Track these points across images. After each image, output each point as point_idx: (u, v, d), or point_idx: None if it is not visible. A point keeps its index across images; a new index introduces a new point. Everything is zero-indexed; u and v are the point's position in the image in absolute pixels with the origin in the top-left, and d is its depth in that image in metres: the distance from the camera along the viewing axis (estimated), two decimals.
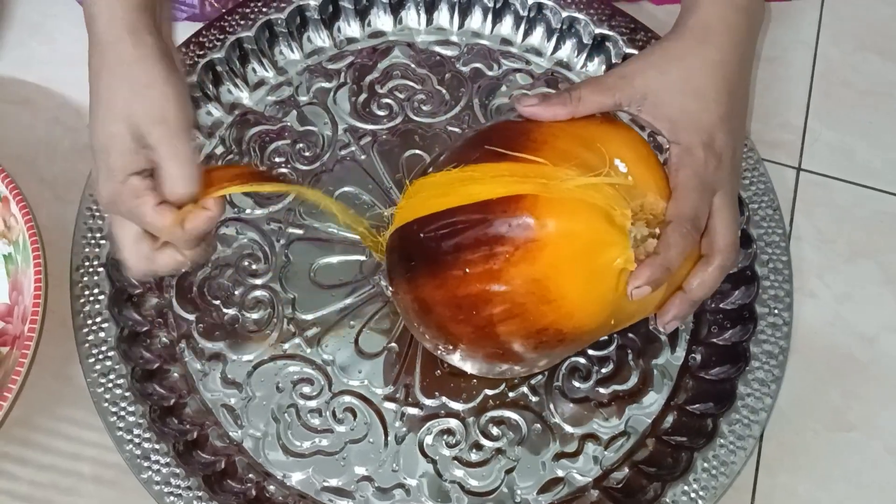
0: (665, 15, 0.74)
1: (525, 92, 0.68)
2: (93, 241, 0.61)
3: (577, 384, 0.61)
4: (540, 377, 0.61)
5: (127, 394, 0.57)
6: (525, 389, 0.60)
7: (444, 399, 0.60)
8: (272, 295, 0.62)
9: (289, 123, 0.68)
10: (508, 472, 0.58)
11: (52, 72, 0.70)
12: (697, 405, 0.60)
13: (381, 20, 0.72)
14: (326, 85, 0.70)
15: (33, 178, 0.66)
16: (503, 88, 0.70)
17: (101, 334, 0.58)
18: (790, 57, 0.75)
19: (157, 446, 0.55)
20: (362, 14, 0.71)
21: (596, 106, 0.50)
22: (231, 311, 0.62)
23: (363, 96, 0.69)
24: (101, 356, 0.58)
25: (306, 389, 0.60)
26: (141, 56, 0.50)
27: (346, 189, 0.66)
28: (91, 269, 0.60)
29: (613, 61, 0.70)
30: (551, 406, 0.60)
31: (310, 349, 0.61)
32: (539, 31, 0.72)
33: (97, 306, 0.59)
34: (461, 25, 0.72)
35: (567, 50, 0.71)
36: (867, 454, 0.61)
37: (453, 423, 0.59)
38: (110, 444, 0.56)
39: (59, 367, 0.60)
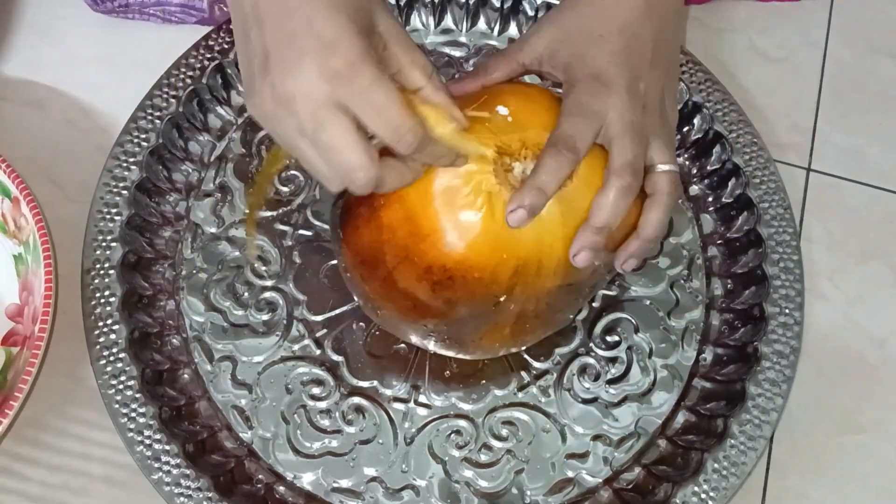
0: None
1: None
2: (104, 244, 0.61)
3: (586, 384, 0.61)
4: (549, 377, 0.61)
5: (138, 395, 0.57)
6: (534, 390, 0.60)
7: (453, 400, 0.60)
8: (282, 296, 0.62)
9: None
10: (518, 472, 0.58)
11: (62, 73, 0.70)
12: (708, 406, 0.60)
13: None
14: None
15: (44, 179, 0.66)
16: None
17: (113, 336, 0.59)
18: (799, 58, 0.75)
19: (167, 447, 0.56)
20: None
21: (503, 72, 0.53)
22: (241, 313, 0.62)
23: None
24: (112, 358, 0.58)
25: (316, 390, 0.60)
26: None
27: None
28: (102, 272, 0.60)
29: None
30: (561, 407, 0.60)
31: (319, 350, 0.61)
32: None
33: (108, 308, 0.59)
34: (470, 27, 0.72)
35: None
36: (878, 457, 0.61)
37: (463, 423, 0.59)
38: (121, 445, 0.56)
39: (70, 367, 0.60)
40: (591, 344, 0.62)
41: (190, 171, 0.66)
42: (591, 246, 0.48)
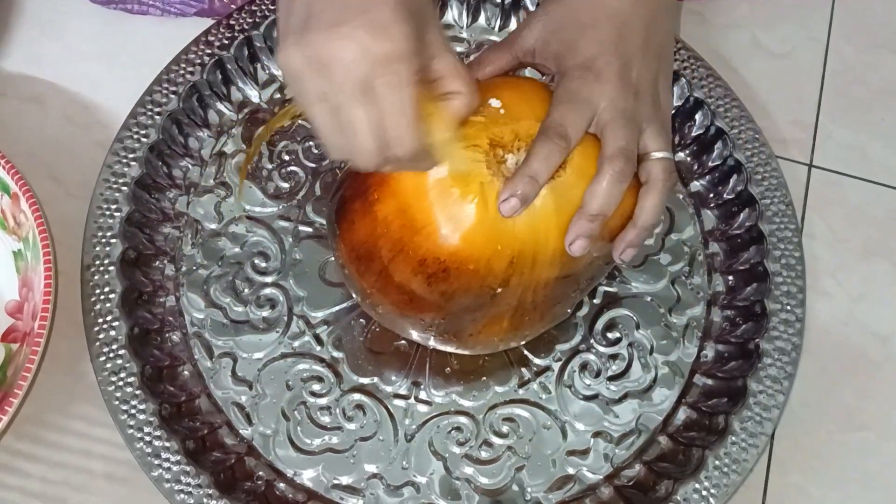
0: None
1: None
2: (104, 240, 0.61)
3: (587, 381, 0.60)
4: (550, 374, 0.60)
5: (138, 392, 0.57)
6: (535, 387, 0.60)
7: (454, 396, 0.60)
8: (282, 293, 0.62)
9: (298, 121, 0.68)
10: (519, 469, 0.58)
11: (63, 69, 0.70)
12: (709, 402, 0.60)
13: None
14: None
15: (44, 175, 0.66)
16: None
17: (112, 332, 0.58)
18: (801, 54, 0.74)
19: (167, 444, 0.56)
20: None
21: (496, 66, 0.53)
22: (241, 309, 0.62)
23: None
24: (111, 354, 0.58)
25: (316, 387, 0.60)
26: None
27: None
28: (102, 268, 0.60)
29: None
30: (562, 403, 0.60)
31: (319, 347, 0.61)
32: None
33: (108, 305, 0.59)
34: (471, 22, 0.72)
35: None
36: (880, 454, 0.61)
37: (463, 420, 0.59)
38: (121, 442, 0.56)
39: (70, 364, 0.60)
40: (592, 340, 0.62)
41: (190, 167, 0.66)
42: (586, 234, 0.48)
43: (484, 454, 0.58)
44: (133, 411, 0.56)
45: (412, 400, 0.60)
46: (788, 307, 0.61)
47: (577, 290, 0.55)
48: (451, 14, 0.72)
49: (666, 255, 0.64)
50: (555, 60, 0.51)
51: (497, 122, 0.48)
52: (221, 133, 0.67)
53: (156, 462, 0.55)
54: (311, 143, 0.67)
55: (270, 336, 0.61)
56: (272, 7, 0.69)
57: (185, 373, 0.60)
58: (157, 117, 0.65)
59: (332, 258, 0.63)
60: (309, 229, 0.64)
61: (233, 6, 0.70)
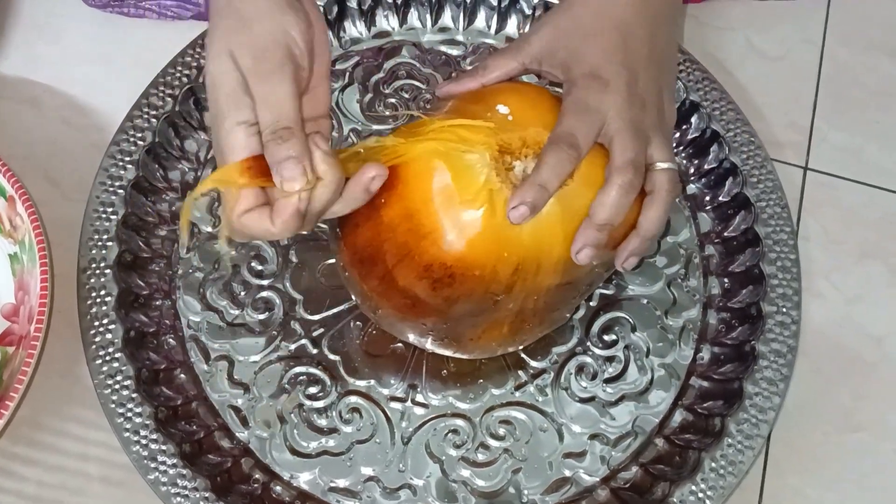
0: None
1: None
2: (100, 243, 0.61)
3: (583, 384, 0.61)
4: (546, 376, 0.60)
5: (134, 395, 0.57)
6: (531, 389, 0.60)
7: (450, 399, 0.60)
8: (278, 296, 0.62)
9: None
10: (515, 472, 0.58)
11: (59, 71, 0.70)
12: (705, 404, 0.60)
13: (387, 20, 0.72)
14: (332, 85, 0.69)
15: (40, 177, 0.66)
16: None
17: (109, 335, 0.58)
18: (797, 56, 0.75)
19: (163, 447, 0.55)
20: (368, 14, 0.71)
21: (502, 72, 0.53)
22: (237, 312, 0.62)
23: (369, 96, 0.69)
24: (108, 357, 0.58)
25: (312, 390, 0.60)
26: None
27: None
28: (98, 271, 0.60)
29: None
30: (558, 406, 0.60)
31: (316, 350, 0.61)
32: None
33: (104, 308, 0.59)
34: (467, 25, 0.72)
35: None
36: (876, 455, 0.61)
37: (460, 422, 0.59)
38: (118, 445, 0.56)
39: (66, 367, 0.60)
40: (589, 343, 0.62)
41: (186, 169, 0.66)
42: (593, 243, 0.48)
43: (480, 457, 0.58)
44: (129, 414, 0.56)
45: (409, 403, 0.60)
46: (784, 309, 0.61)
47: (577, 296, 0.55)
48: (447, 17, 0.72)
49: (662, 258, 0.65)
50: (562, 69, 0.51)
51: (505, 129, 0.48)
52: None
53: (152, 465, 0.55)
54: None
55: (267, 339, 0.61)
56: None
57: (182, 376, 0.60)
58: (154, 120, 0.65)
59: (329, 261, 0.63)
60: (305, 232, 0.64)
61: None
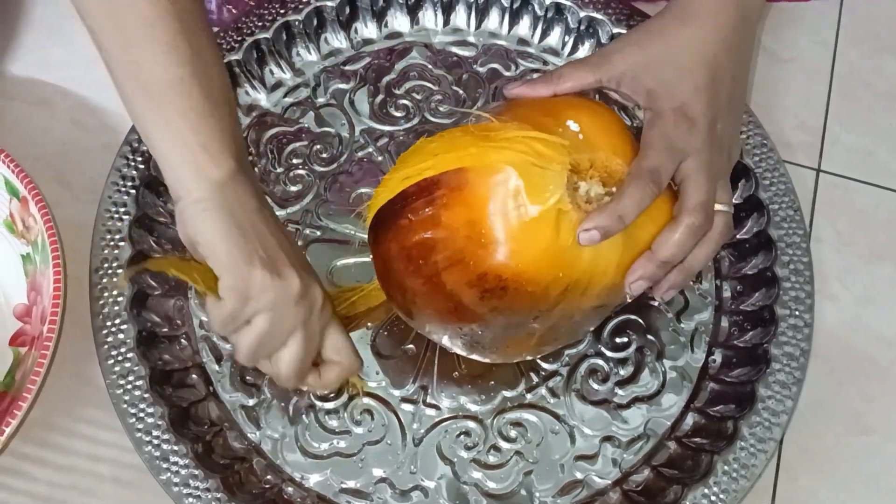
0: None
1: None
2: (112, 243, 0.61)
3: (595, 386, 0.60)
4: (558, 379, 0.60)
5: (146, 395, 0.57)
6: (543, 391, 0.60)
7: (461, 401, 0.60)
8: None
9: (306, 125, 0.68)
10: (527, 474, 0.58)
11: (70, 73, 0.70)
12: (717, 408, 0.60)
13: (398, 21, 0.72)
14: (343, 86, 0.70)
15: (52, 178, 0.66)
16: None
17: (121, 336, 0.58)
18: (808, 58, 0.74)
19: (175, 448, 0.55)
20: (379, 15, 0.71)
21: (577, 83, 0.52)
22: None
23: (380, 97, 0.69)
24: (120, 358, 0.58)
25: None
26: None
27: (362, 190, 0.66)
28: (110, 271, 0.60)
29: None
30: (570, 408, 0.60)
31: None
32: (557, 32, 0.71)
33: (116, 308, 0.59)
34: (478, 26, 0.72)
35: (585, 50, 0.71)
36: (888, 458, 0.61)
37: (471, 424, 0.59)
38: (129, 445, 0.56)
39: (78, 367, 0.60)
40: (601, 346, 0.62)
41: None
42: (650, 277, 0.49)
43: (492, 459, 0.58)
44: (141, 415, 0.56)
45: (420, 404, 0.60)
46: (797, 312, 0.61)
47: (603, 316, 0.56)
48: (459, 18, 0.72)
49: None
50: (646, 97, 0.51)
51: (577, 148, 0.48)
52: None
53: (164, 466, 0.55)
54: (318, 146, 0.67)
55: None
56: (281, 11, 0.69)
57: (194, 376, 0.60)
58: None
59: (340, 262, 0.63)
60: (317, 233, 0.64)
61: (241, 16, 0.70)
